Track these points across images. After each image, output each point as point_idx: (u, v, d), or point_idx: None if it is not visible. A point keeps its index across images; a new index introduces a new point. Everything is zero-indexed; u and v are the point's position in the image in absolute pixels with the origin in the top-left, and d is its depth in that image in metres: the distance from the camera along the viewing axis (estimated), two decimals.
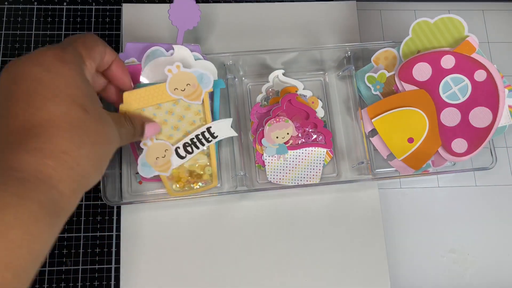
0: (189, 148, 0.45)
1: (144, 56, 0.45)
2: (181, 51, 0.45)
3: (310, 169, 0.49)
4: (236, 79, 0.51)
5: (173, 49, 0.45)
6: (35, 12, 0.53)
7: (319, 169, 0.49)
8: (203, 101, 0.45)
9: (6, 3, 0.53)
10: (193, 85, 0.43)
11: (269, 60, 0.50)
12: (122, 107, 0.41)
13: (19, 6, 0.53)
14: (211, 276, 0.47)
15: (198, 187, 0.47)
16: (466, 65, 0.46)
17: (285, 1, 0.56)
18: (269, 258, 0.48)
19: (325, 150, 0.49)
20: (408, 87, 0.47)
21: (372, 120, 0.47)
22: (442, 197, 0.52)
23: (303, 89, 0.52)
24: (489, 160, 0.49)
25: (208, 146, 0.46)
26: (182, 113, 0.45)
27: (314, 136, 0.50)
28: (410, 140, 0.47)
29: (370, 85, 0.49)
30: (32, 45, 0.52)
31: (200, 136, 0.45)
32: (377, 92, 0.50)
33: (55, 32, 0.53)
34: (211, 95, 0.47)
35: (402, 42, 0.48)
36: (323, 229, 0.49)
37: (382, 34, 0.56)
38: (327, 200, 0.50)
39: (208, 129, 0.45)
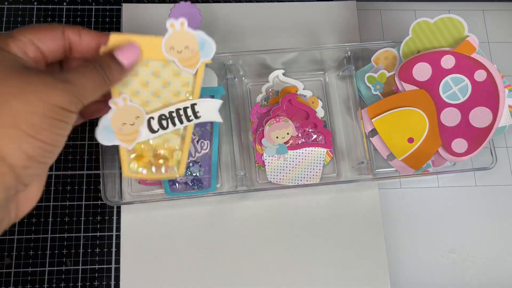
0: (164, 122, 0.38)
1: None
2: None
3: (310, 169, 0.49)
4: (236, 79, 0.51)
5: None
6: (35, 12, 0.53)
7: (319, 169, 0.49)
8: (196, 72, 0.38)
9: (6, 3, 0.53)
10: (192, 50, 0.38)
11: (269, 60, 0.50)
12: (105, 49, 0.34)
13: (19, 6, 0.53)
14: (211, 276, 0.47)
15: (159, 173, 0.39)
16: (466, 65, 0.46)
17: (285, 1, 0.56)
18: (269, 258, 0.48)
19: (325, 150, 0.49)
20: (408, 87, 0.47)
21: (372, 120, 0.47)
22: (442, 197, 0.52)
23: (303, 89, 0.52)
24: (489, 160, 0.49)
25: (186, 126, 0.39)
26: (169, 79, 0.38)
27: (314, 136, 0.50)
28: (410, 140, 0.47)
29: (370, 85, 0.49)
30: None
31: (181, 112, 0.38)
32: (377, 92, 0.50)
33: None
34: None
35: (402, 42, 0.48)
36: (323, 229, 0.49)
37: (382, 34, 0.56)
38: (327, 200, 0.50)
39: (193, 106, 0.39)
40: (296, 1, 0.56)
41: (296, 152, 0.49)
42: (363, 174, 0.49)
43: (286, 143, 0.48)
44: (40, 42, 0.31)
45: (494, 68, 0.46)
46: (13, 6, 0.53)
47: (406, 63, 0.47)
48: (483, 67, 0.46)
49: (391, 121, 0.47)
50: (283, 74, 0.51)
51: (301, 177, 0.49)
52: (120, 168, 0.49)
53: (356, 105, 0.50)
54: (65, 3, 0.54)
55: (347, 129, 0.52)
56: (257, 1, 0.56)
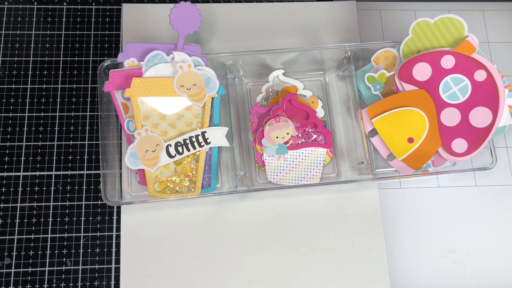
0: (180, 148, 0.45)
1: (145, 60, 0.45)
2: (181, 57, 0.45)
3: (310, 169, 0.49)
4: (236, 79, 0.51)
5: (173, 52, 0.45)
6: (35, 12, 0.53)
7: (319, 169, 0.49)
8: (204, 104, 0.46)
9: (6, 3, 0.53)
10: (199, 86, 0.44)
11: (269, 60, 0.50)
12: (128, 91, 0.43)
13: (19, 6, 0.53)
14: (211, 276, 0.47)
15: (180, 191, 0.47)
16: (466, 65, 0.46)
17: (285, 1, 0.56)
18: (269, 258, 0.48)
19: (325, 150, 0.49)
20: (408, 87, 0.47)
21: (372, 120, 0.47)
22: (442, 197, 0.52)
23: (303, 89, 0.52)
24: (489, 160, 0.49)
25: (199, 151, 0.46)
26: (182, 112, 0.45)
27: (314, 136, 0.50)
28: (410, 140, 0.47)
29: (370, 85, 0.49)
30: (32, 45, 0.52)
31: (194, 139, 0.46)
32: (377, 92, 0.50)
33: (55, 32, 0.53)
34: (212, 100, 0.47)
35: (402, 42, 0.48)
36: (323, 229, 0.49)
37: (382, 34, 0.56)
38: (327, 200, 0.50)
39: (203, 133, 0.46)
40: (296, 1, 0.56)
41: (296, 152, 0.49)
42: (363, 174, 0.49)
43: (286, 143, 0.48)
44: None
45: (494, 68, 0.46)
46: (13, 6, 0.53)
47: (406, 63, 0.47)
48: (483, 67, 0.46)
49: (391, 121, 0.47)
50: (283, 74, 0.51)
51: (301, 177, 0.49)
52: (120, 168, 0.49)
53: (356, 105, 0.50)
54: (65, 3, 0.54)
55: (347, 129, 0.52)
56: (257, 1, 0.56)
